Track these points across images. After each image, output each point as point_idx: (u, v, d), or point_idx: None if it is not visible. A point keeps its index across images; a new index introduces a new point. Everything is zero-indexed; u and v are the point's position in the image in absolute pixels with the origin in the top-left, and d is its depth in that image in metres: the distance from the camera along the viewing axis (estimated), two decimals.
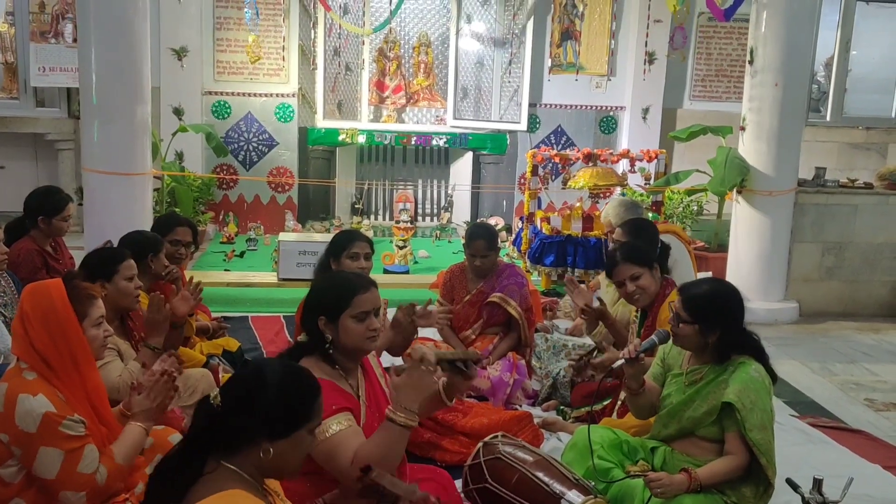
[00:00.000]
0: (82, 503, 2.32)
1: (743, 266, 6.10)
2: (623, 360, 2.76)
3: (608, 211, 5.04)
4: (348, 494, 2.17)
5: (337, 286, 2.50)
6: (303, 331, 2.54)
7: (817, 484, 2.54)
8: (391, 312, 3.56)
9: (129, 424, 2.54)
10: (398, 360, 4.02)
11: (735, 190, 6.09)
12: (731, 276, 6.01)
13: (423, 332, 4.59)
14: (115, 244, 3.74)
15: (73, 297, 2.43)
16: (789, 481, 2.67)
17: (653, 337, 2.86)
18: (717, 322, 2.76)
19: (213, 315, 4.94)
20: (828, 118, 8.83)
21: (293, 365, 1.94)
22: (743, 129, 6.06)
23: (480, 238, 4.27)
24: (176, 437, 2.77)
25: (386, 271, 6.70)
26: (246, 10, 7.03)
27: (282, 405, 1.75)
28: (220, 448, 1.73)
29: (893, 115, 8.90)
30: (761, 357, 2.80)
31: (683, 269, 5.11)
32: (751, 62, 5.94)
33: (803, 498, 2.54)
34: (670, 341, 2.93)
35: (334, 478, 2.26)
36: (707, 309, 2.76)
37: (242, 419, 1.72)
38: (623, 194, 6.98)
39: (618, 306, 3.98)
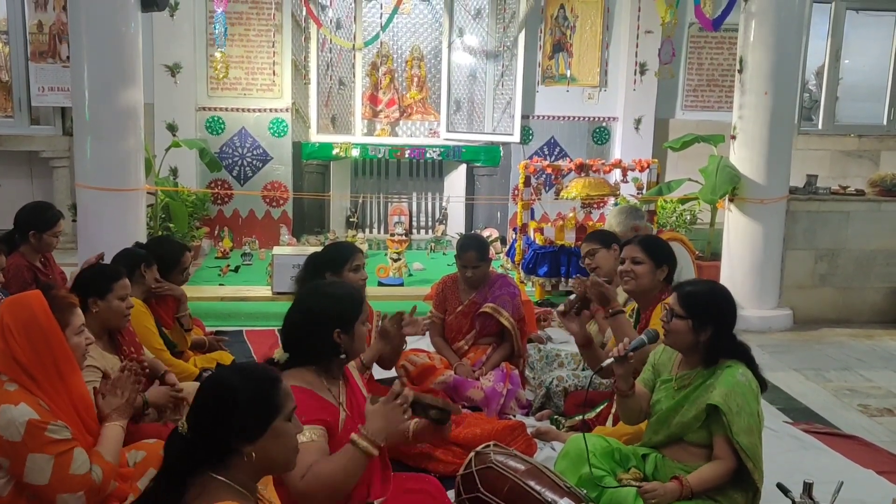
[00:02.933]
0: None
1: (736, 274, 6.10)
2: (612, 359, 2.75)
3: (610, 221, 5.05)
4: None
5: (348, 297, 2.58)
6: (298, 345, 2.49)
7: (807, 488, 2.55)
8: None
9: (105, 426, 2.58)
10: (390, 372, 4.02)
11: (727, 198, 6.11)
12: (725, 285, 5.97)
13: (416, 344, 4.60)
14: (107, 258, 3.77)
15: (53, 307, 2.44)
16: (780, 486, 2.67)
17: (642, 336, 2.84)
18: (710, 319, 2.77)
19: (208, 329, 4.96)
20: (820, 126, 8.86)
21: (245, 365, 1.96)
22: (733, 137, 6.07)
23: (471, 249, 4.28)
24: None
25: (380, 284, 6.70)
26: (215, 25, 7.06)
27: (247, 406, 1.75)
28: (204, 465, 1.73)
29: (885, 122, 8.93)
30: (751, 364, 2.81)
31: (686, 277, 5.15)
32: (740, 71, 5.96)
33: (793, 502, 2.54)
34: (661, 346, 2.94)
35: None
36: (701, 304, 2.77)
37: (215, 434, 1.72)
38: (616, 204, 6.99)
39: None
